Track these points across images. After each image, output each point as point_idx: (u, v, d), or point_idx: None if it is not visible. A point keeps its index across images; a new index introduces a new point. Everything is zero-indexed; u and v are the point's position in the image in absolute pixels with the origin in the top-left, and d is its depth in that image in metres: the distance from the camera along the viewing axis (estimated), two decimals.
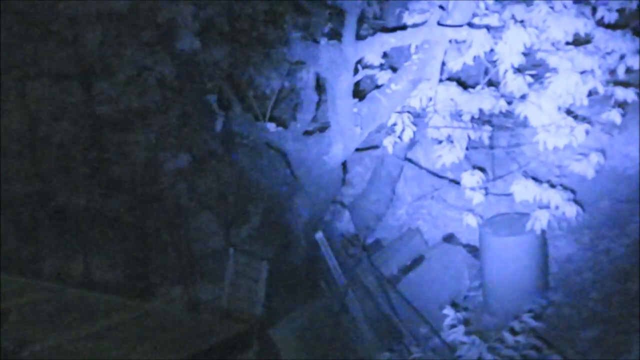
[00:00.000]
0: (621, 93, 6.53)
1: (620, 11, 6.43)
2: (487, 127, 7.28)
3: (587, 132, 6.57)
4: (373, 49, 7.23)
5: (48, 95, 8.52)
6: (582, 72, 6.36)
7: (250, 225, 8.47)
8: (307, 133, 7.73)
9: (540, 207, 6.83)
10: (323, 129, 7.69)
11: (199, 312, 7.93)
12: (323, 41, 7.32)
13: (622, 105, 6.65)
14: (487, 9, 6.72)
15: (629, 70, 6.49)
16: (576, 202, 6.87)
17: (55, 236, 8.32)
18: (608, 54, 6.40)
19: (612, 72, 6.48)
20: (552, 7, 6.37)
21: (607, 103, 6.64)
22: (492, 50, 6.65)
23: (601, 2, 6.46)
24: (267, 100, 8.11)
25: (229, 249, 8.04)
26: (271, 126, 7.80)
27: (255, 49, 8.25)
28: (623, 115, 6.65)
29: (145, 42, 8.26)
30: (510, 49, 6.49)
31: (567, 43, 6.50)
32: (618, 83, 6.55)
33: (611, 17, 6.41)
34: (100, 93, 8.53)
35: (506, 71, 6.66)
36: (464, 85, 7.18)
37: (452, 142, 7.08)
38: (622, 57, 6.42)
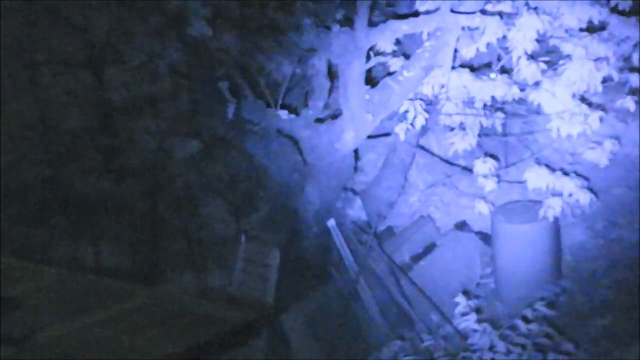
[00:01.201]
0: (636, 80, 6.51)
1: None
2: (500, 115, 7.24)
3: (601, 120, 6.54)
4: (385, 36, 7.18)
5: (58, 81, 8.48)
6: (596, 59, 6.32)
7: (260, 212, 8.44)
8: (318, 120, 7.71)
9: (554, 195, 6.81)
10: (335, 116, 7.65)
11: (209, 298, 7.92)
12: (335, 28, 7.30)
13: (636, 92, 6.62)
14: None
15: None
16: (589, 189, 6.86)
17: (66, 222, 8.29)
18: (622, 41, 6.36)
19: (627, 59, 6.45)
20: None
21: (622, 90, 6.61)
22: (505, 37, 6.62)
23: None
24: (279, 87, 8.08)
25: (240, 235, 8.03)
26: (283, 113, 7.78)
27: (266, 35, 8.21)
28: (637, 103, 6.61)
29: (155, 29, 8.22)
30: (523, 36, 6.45)
31: (581, 30, 6.45)
32: (633, 70, 6.51)
33: (625, 4, 6.35)
34: (110, 79, 8.49)
35: (519, 58, 6.62)
36: (477, 69, 7.15)
37: (464, 129, 7.07)
38: (636, 44, 6.38)
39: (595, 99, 6.67)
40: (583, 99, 6.56)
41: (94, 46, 8.41)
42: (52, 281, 7.40)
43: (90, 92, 8.58)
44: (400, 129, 7.28)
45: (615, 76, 6.39)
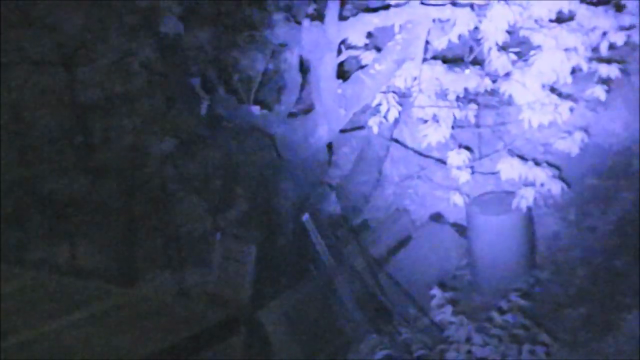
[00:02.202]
0: (604, 70, 6.51)
1: None
2: (473, 106, 7.25)
3: (571, 110, 6.58)
4: (356, 30, 7.18)
5: (31, 81, 8.44)
6: (566, 50, 6.32)
7: (237, 208, 8.43)
8: (291, 115, 7.68)
9: (526, 185, 6.84)
10: (308, 111, 7.64)
11: (187, 297, 7.91)
12: (306, 22, 7.25)
13: (606, 82, 6.64)
14: None
15: (611, 47, 6.47)
16: (561, 179, 6.89)
17: (41, 223, 8.27)
18: (591, 30, 6.36)
19: (595, 49, 6.45)
20: None
21: (591, 80, 6.63)
22: (476, 28, 6.63)
23: None
24: (252, 83, 8.06)
25: (216, 233, 8.01)
26: (255, 109, 7.74)
27: (239, 31, 8.18)
28: (607, 92, 6.64)
29: (128, 27, 8.18)
30: (494, 27, 6.45)
31: (551, 20, 6.46)
32: (601, 60, 6.53)
33: None
34: (84, 78, 8.46)
35: (490, 49, 6.64)
36: (450, 61, 7.14)
37: (437, 121, 7.06)
38: (604, 33, 6.39)
39: (565, 89, 6.70)
40: (553, 89, 6.58)
41: (66, 45, 8.37)
42: (27, 283, 7.36)
43: (63, 91, 8.53)
44: (373, 122, 7.30)
45: (585, 66, 6.40)
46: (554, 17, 6.42)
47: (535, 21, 6.51)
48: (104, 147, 8.68)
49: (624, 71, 6.65)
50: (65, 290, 7.38)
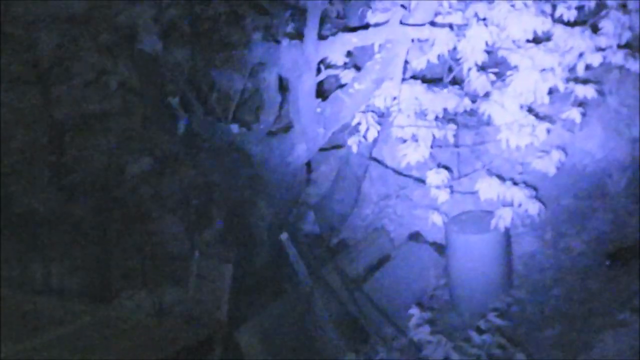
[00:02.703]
0: (581, 90, 6.57)
1: (579, 8, 6.47)
2: (452, 126, 7.26)
3: (548, 131, 6.63)
4: (335, 49, 7.20)
5: (5, 99, 8.36)
6: (542, 70, 6.38)
7: (214, 227, 8.38)
8: (270, 134, 7.67)
9: (504, 205, 6.87)
10: (286, 129, 7.63)
11: (163, 316, 7.82)
12: (284, 42, 7.28)
13: (582, 102, 6.71)
14: (450, 7, 6.70)
15: (588, 68, 6.54)
16: (538, 199, 6.93)
17: (14, 242, 8.16)
18: (567, 51, 6.42)
19: (572, 69, 6.52)
20: (513, 5, 6.39)
21: (568, 100, 6.69)
22: (455, 48, 6.68)
23: (561, 0, 6.50)
24: (230, 101, 8.05)
25: (193, 252, 7.95)
26: (234, 128, 7.72)
27: (217, 50, 8.20)
28: (583, 114, 6.70)
29: (104, 45, 8.17)
30: (473, 47, 6.50)
31: (528, 41, 6.53)
32: (578, 80, 6.60)
33: (570, 14, 6.44)
34: (59, 97, 8.42)
35: (470, 69, 6.68)
36: (429, 81, 7.19)
37: (416, 140, 7.05)
38: (581, 54, 6.45)
39: (542, 110, 6.75)
40: (530, 110, 6.63)
41: (42, 63, 8.32)
42: (1, 303, 7.26)
43: (38, 109, 8.49)
44: (352, 142, 7.28)
45: (562, 86, 6.45)
46: (531, 37, 6.47)
47: (513, 42, 6.56)
48: (79, 165, 8.63)
49: (599, 92, 6.73)
50: (39, 309, 7.32)
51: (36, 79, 8.51)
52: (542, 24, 6.36)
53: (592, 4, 6.43)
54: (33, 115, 8.54)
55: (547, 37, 6.51)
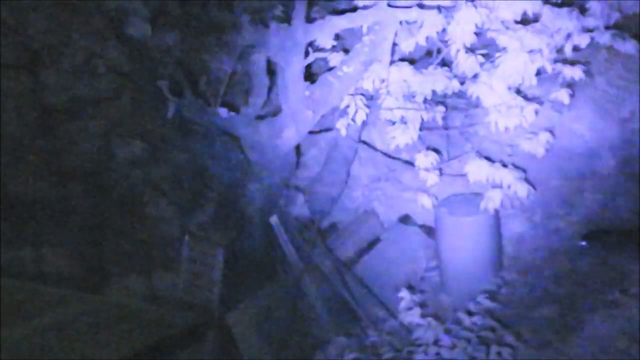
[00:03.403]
0: (569, 71, 6.59)
1: None
2: (441, 108, 7.27)
3: (536, 112, 6.64)
4: (324, 32, 7.19)
5: None
6: (531, 51, 6.38)
7: (205, 211, 8.37)
8: (259, 118, 7.66)
9: (494, 187, 6.88)
10: (275, 113, 7.61)
11: (156, 301, 7.83)
12: (273, 25, 7.25)
13: (570, 83, 6.70)
14: None
15: (575, 49, 6.53)
16: (527, 180, 6.94)
17: (5, 227, 8.13)
18: (555, 32, 6.42)
19: (560, 50, 6.51)
20: None
21: (556, 81, 6.69)
22: (444, 30, 6.65)
23: None
24: (219, 85, 8.02)
25: (185, 236, 7.96)
26: (223, 111, 7.71)
27: (207, 33, 8.16)
28: (571, 94, 6.70)
29: (94, 29, 8.12)
30: (462, 29, 6.49)
31: (516, 22, 6.51)
32: (566, 61, 6.59)
33: None
34: (48, 81, 8.36)
35: (458, 51, 6.66)
36: (417, 63, 7.16)
37: (405, 123, 7.07)
38: (568, 35, 6.45)
39: (530, 91, 6.75)
40: (519, 92, 6.62)
41: (31, 47, 8.27)
42: None
43: (27, 94, 8.43)
44: (341, 125, 7.30)
45: (549, 68, 6.46)
46: (519, 18, 6.46)
47: (502, 23, 6.54)
48: (69, 150, 8.57)
49: (587, 72, 6.73)
50: (31, 296, 7.29)
51: (25, 63, 8.44)
52: (532, 5, 6.35)
53: None
54: (23, 99, 8.48)
55: (535, 19, 6.49)
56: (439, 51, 7.06)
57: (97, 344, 6.80)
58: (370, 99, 7.27)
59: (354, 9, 7.05)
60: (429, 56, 7.24)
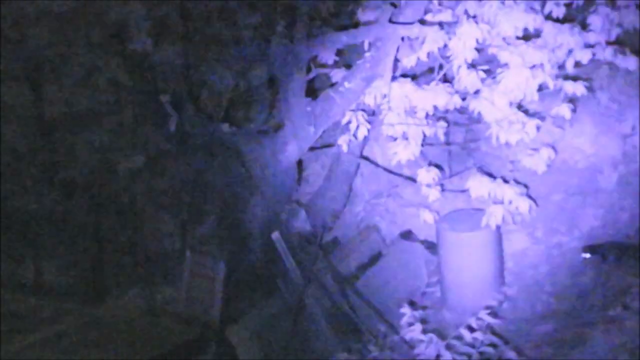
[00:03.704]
0: (570, 87, 6.58)
1: (568, 5, 6.46)
2: (442, 124, 7.27)
3: (538, 128, 6.62)
4: (326, 47, 7.21)
5: None
6: (532, 67, 6.38)
7: (206, 225, 8.38)
8: (261, 132, 7.67)
9: (495, 203, 6.87)
10: (277, 128, 7.63)
11: (156, 315, 7.83)
12: (275, 40, 7.27)
13: (572, 99, 6.72)
14: (440, 5, 6.70)
15: (577, 64, 6.54)
16: (529, 196, 6.93)
17: (5, 240, 8.14)
18: (557, 48, 6.43)
19: (561, 66, 6.53)
20: (502, 3, 6.38)
21: (557, 97, 6.69)
22: (445, 46, 6.67)
23: None
24: (221, 99, 8.04)
25: (186, 250, 7.95)
26: (225, 126, 7.73)
27: (208, 48, 8.18)
28: (573, 110, 6.71)
29: (95, 43, 8.14)
30: (463, 45, 6.49)
31: (518, 38, 6.53)
32: (567, 77, 6.60)
33: (559, 11, 6.44)
34: (49, 94, 8.39)
35: (460, 67, 6.67)
36: (419, 78, 7.17)
37: (407, 139, 7.05)
38: (570, 51, 6.46)
39: (532, 107, 6.75)
40: (520, 107, 6.63)
41: (31, 61, 8.29)
42: None
43: (28, 107, 8.46)
44: (342, 141, 7.28)
45: (551, 83, 6.45)
46: (520, 34, 6.47)
47: (503, 39, 6.55)
48: (70, 163, 8.60)
49: (589, 88, 6.73)
50: (31, 309, 7.31)
51: (27, 76, 8.46)
52: (534, 21, 6.36)
53: (581, 2, 6.42)
54: (24, 113, 8.51)
55: (537, 34, 6.51)
56: (440, 67, 7.07)
57: (96, 357, 6.79)
58: (372, 114, 7.26)
59: (356, 25, 7.07)
60: (430, 72, 7.25)
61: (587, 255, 7.03)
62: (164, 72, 8.17)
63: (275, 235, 7.33)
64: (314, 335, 7.32)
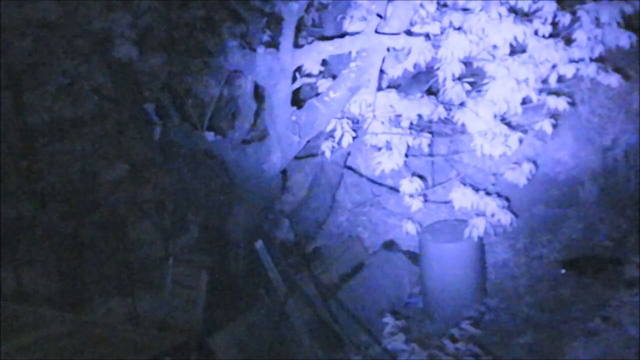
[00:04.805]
0: (553, 102, 6.65)
1: (555, 24, 6.53)
2: (427, 134, 7.31)
3: (520, 141, 6.67)
4: (311, 57, 7.19)
5: None
6: (517, 81, 6.45)
7: (189, 234, 8.36)
8: (245, 142, 7.66)
9: (478, 215, 6.92)
10: (262, 137, 7.63)
11: (138, 323, 7.78)
12: (260, 49, 7.25)
13: (554, 114, 6.78)
14: (427, 16, 6.73)
15: (560, 79, 6.61)
16: (511, 209, 6.99)
17: None
18: (541, 62, 6.49)
19: (545, 80, 6.59)
20: (489, 15, 6.44)
21: (540, 110, 6.76)
22: (433, 57, 6.71)
23: (536, 16, 6.55)
24: (206, 108, 8.03)
25: (168, 258, 7.92)
26: (209, 135, 7.69)
27: (193, 57, 8.17)
28: (554, 125, 6.77)
29: (78, 51, 8.09)
30: (450, 57, 6.53)
31: (505, 54, 6.59)
32: (550, 92, 6.67)
33: (545, 30, 6.47)
34: (32, 102, 8.33)
35: (445, 79, 6.72)
36: (401, 87, 7.21)
37: (391, 148, 7.08)
38: (554, 66, 6.53)
39: (515, 119, 6.81)
40: (503, 120, 6.69)
41: (13, 69, 8.24)
42: None
43: (10, 115, 8.40)
44: (326, 147, 7.28)
45: (534, 97, 6.53)
46: (508, 47, 6.53)
47: (489, 53, 6.61)
48: (52, 171, 8.54)
49: (571, 102, 6.81)
50: (11, 316, 7.22)
51: (8, 84, 8.41)
52: (522, 34, 6.39)
53: (567, 20, 6.47)
54: (5, 120, 8.44)
55: (522, 49, 6.57)
56: (426, 79, 7.11)
57: None
58: (357, 123, 7.27)
59: (342, 35, 7.08)
60: (416, 82, 7.29)
61: (563, 271, 7.11)
62: (149, 81, 8.14)
63: (259, 244, 7.33)
64: (295, 345, 7.32)
